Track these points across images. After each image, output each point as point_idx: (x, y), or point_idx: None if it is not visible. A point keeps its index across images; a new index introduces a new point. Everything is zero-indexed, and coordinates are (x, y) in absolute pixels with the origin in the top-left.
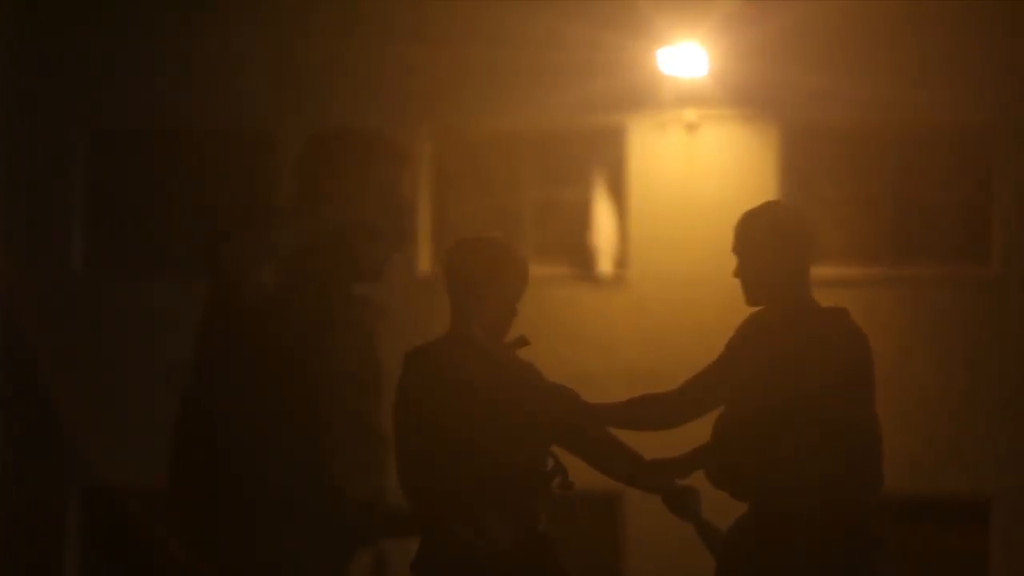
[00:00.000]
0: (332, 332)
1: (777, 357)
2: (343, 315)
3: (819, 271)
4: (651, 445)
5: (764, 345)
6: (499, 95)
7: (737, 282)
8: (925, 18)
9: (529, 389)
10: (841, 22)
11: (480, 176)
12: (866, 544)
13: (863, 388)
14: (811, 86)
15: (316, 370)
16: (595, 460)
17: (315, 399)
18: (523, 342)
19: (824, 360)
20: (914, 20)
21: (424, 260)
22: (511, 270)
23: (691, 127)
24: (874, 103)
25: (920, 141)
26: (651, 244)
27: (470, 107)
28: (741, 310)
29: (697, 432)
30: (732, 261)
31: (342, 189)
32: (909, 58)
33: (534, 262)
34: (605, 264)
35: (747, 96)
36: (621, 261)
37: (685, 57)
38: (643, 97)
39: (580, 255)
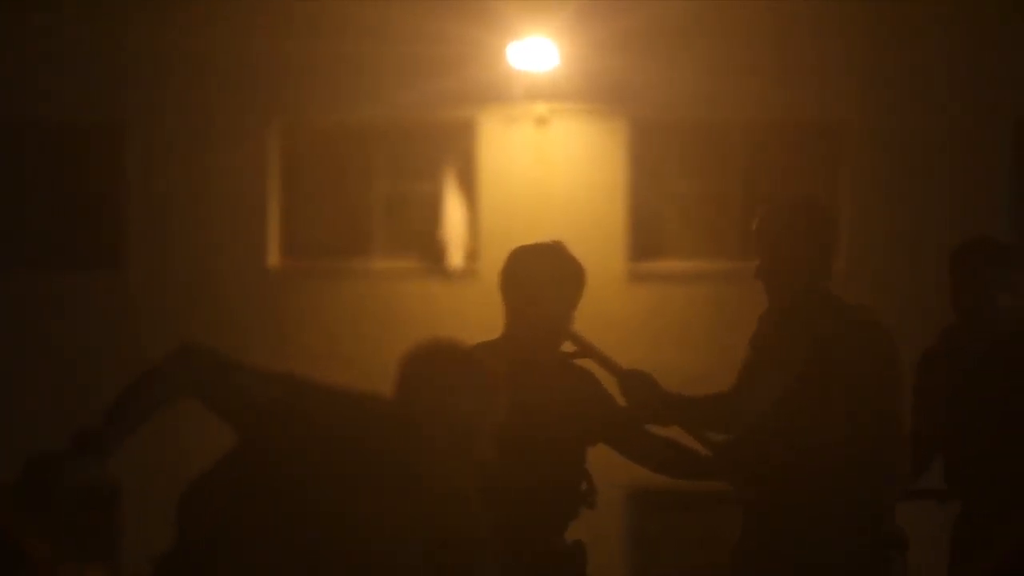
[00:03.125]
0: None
1: (811, 351)
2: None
3: (667, 265)
4: None
5: (801, 340)
6: (349, 88)
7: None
8: (775, 17)
9: (579, 402)
10: (691, 18)
11: (330, 169)
12: (887, 541)
13: (891, 383)
14: (661, 81)
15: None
16: (652, 461)
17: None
18: (580, 353)
19: (856, 355)
20: (764, 18)
21: (273, 254)
22: (571, 275)
23: (541, 121)
24: (723, 99)
25: (768, 137)
26: (501, 238)
27: (320, 100)
28: (590, 299)
29: None
30: (581, 253)
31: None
32: (758, 55)
33: (384, 256)
34: (455, 258)
35: (597, 90)
36: (471, 255)
37: (535, 51)
38: (493, 91)
39: (430, 248)
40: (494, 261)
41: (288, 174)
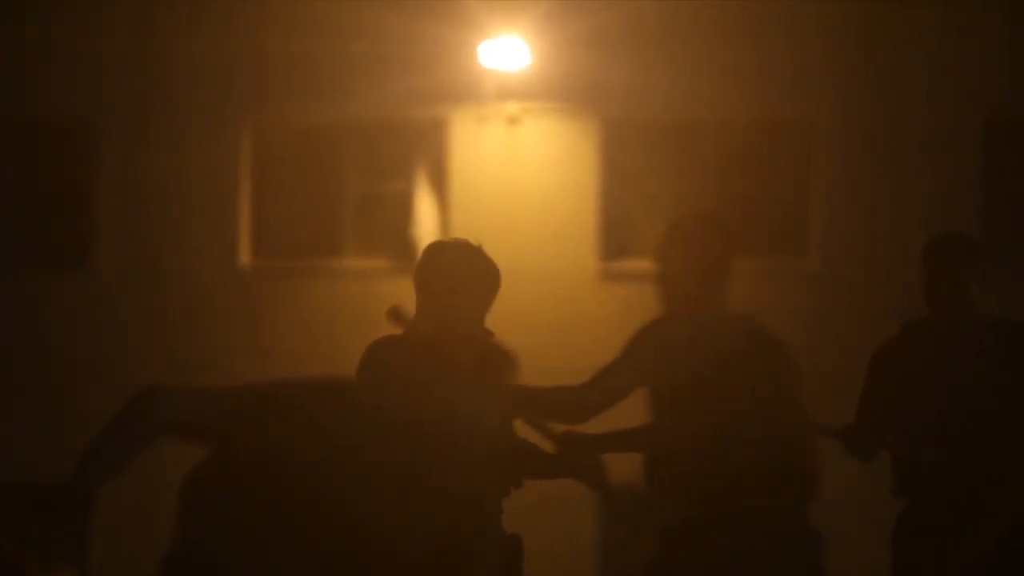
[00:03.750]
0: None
1: (706, 363)
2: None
3: (639, 264)
4: None
5: (688, 352)
6: (321, 88)
7: (554, 279)
8: (748, 16)
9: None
10: (663, 18)
11: (302, 168)
12: (806, 540)
13: (788, 388)
14: (633, 81)
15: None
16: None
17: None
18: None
19: (749, 363)
20: (737, 18)
21: (245, 253)
22: (486, 275)
23: (512, 120)
24: (696, 98)
25: (740, 136)
26: (472, 237)
27: (292, 99)
28: (562, 299)
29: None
30: (553, 252)
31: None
32: (731, 55)
33: (356, 255)
34: None
35: (569, 90)
36: None
37: (507, 50)
38: (465, 90)
39: (402, 248)
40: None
41: (260, 173)
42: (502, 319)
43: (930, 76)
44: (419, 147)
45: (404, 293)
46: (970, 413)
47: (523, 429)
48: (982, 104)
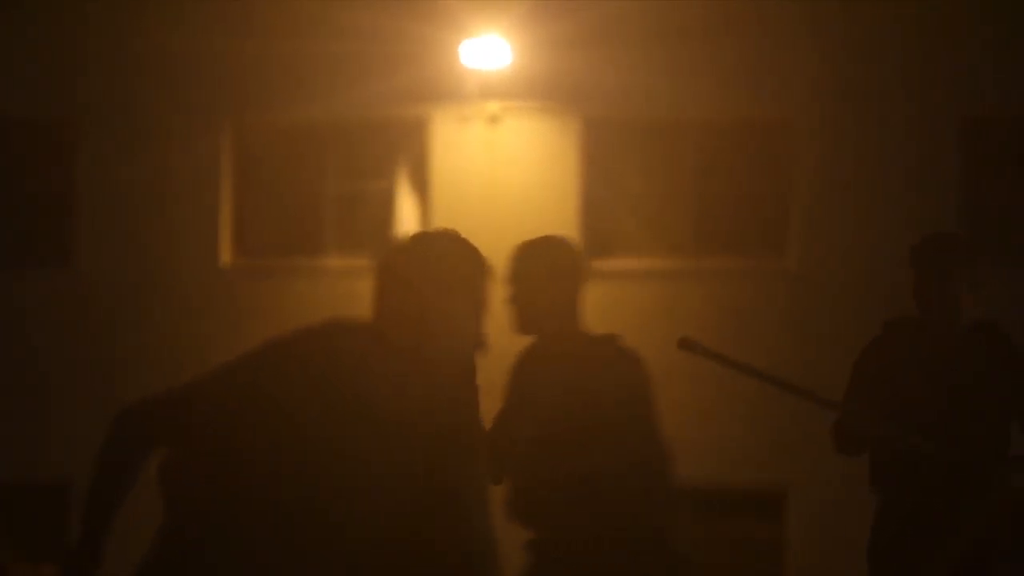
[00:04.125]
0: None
1: (556, 386)
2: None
3: (619, 263)
4: None
5: (543, 376)
6: (302, 87)
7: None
8: (728, 16)
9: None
10: (643, 17)
11: (283, 168)
12: (671, 560)
13: (642, 408)
14: (613, 80)
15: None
16: None
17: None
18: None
19: (601, 386)
20: (717, 18)
21: (226, 252)
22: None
23: (494, 119)
24: (676, 98)
25: (720, 136)
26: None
27: (273, 99)
28: None
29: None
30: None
31: (430, 295)
32: (711, 55)
33: (337, 255)
34: None
35: (550, 89)
36: None
37: (488, 49)
38: (446, 89)
39: (383, 247)
40: None
41: (241, 173)
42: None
43: (908, 76)
44: (400, 146)
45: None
46: (959, 412)
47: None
48: (960, 103)
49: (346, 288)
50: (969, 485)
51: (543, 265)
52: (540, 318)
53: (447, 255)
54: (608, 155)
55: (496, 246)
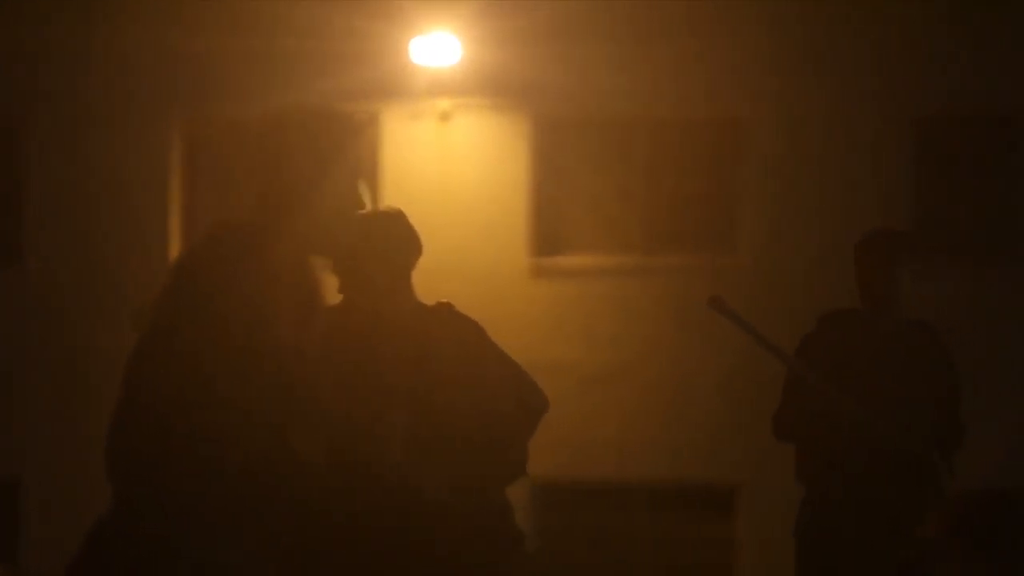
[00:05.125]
0: (279, 299)
1: (395, 358)
2: (290, 282)
3: (570, 260)
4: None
5: (382, 348)
6: (252, 84)
7: (485, 275)
8: (678, 14)
9: None
10: (593, 15)
11: (233, 164)
12: (506, 542)
13: (476, 376)
14: (564, 77)
15: (262, 334)
16: None
17: (258, 361)
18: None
19: (435, 355)
20: (667, 15)
21: (175, 250)
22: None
23: (444, 116)
24: (626, 95)
25: (670, 133)
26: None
27: (222, 96)
28: (492, 295)
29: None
30: (484, 249)
31: (302, 164)
32: (661, 52)
33: None
34: None
35: (500, 86)
36: None
37: (438, 47)
38: (396, 86)
39: None
40: None
41: (191, 170)
42: None
43: (861, 73)
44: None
45: (335, 289)
46: (900, 405)
47: None
48: (913, 103)
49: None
50: (898, 478)
51: (377, 237)
52: (373, 289)
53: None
54: (559, 152)
55: (447, 243)
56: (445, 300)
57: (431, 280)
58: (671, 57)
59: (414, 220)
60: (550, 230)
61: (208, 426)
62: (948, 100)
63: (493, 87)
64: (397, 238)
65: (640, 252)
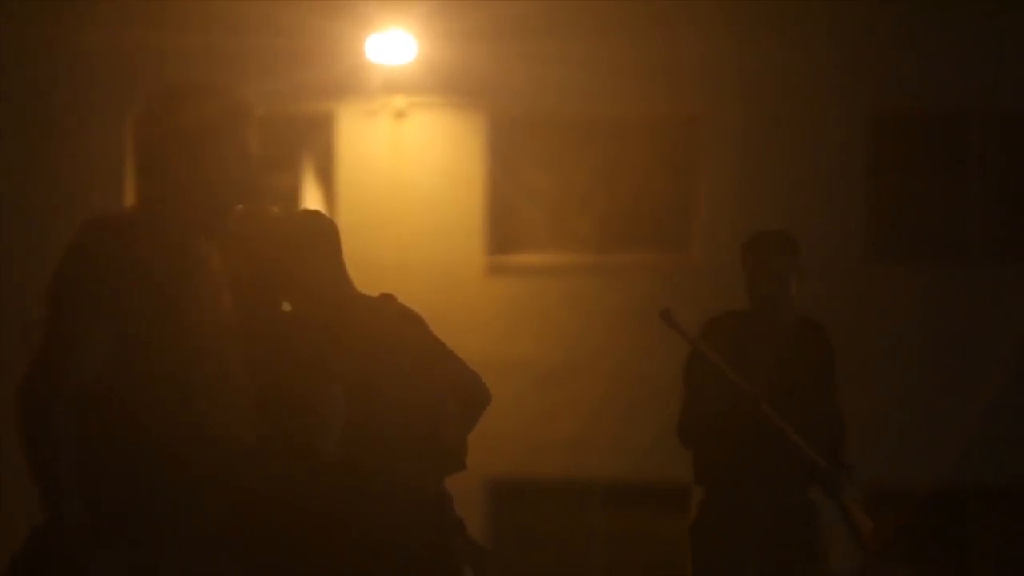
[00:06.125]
0: (192, 280)
1: (336, 346)
2: (199, 263)
3: (525, 259)
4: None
5: (335, 344)
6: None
7: (441, 273)
8: (632, 12)
9: None
10: (550, 13)
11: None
12: (447, 526)
13: (418, 368)
14: (519, 75)
15: (179, 317)
16: None
17: (180, 344)
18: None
19: (375, 345)
20: (622, 14)
21: None
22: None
23: (399, 114)
24: (581, 94)
25: (625, 132)
26: (359, 231)
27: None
28: (448, 293)
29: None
30: (440, 247)
31: (190, 144)
32: (616, 51)
33: None
34: None
35: (456, 84)
36: None
37: (394, 44)
38: (352, 84)
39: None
40: (351, 252)
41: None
42: None
43: (815, 72)
44: (306, 141)
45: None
46: (794, 403)
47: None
48: (868, 101)
49: None
50: (790, 481)
51: (305, 233)
52: (312, 285)
53: None
54: (514, 150)
55: (402, 241)
56: (388, 292)
57: (386, 277)
58: (627, 56)
59: (369, 218)
60: (506, 228)
61: (119, 417)
62: (905, 99)
63: (449, 85)
64: (320, 230)
65: (596, 250)
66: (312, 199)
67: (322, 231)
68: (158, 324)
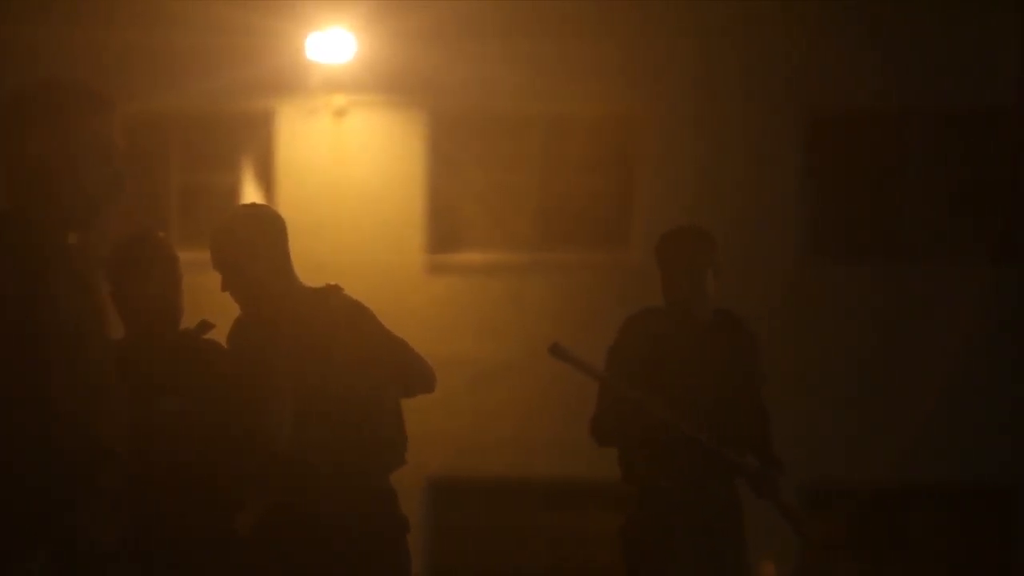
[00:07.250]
0: (48, 280)
1: (281, 338)
2: (59, 263)
3: (465, 257)
4: None
5: (277, 340)
6: (146, 78)
7: (381, 272)
8: (572, 12)
9: None
10: (489, 13)
11: (127, 159)
12: (395, 524)
13: (360, 360)
14: (460, 73)
15: (36, 318)
16: None
17: (35, 347)
18: (207, 327)
19: (320, 336)
20: (561, 14)
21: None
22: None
23: (339, 113)
24: (521, 92)
25: (565, 130)
26: (299, 230)
27: (116, 90)
28: (388, 292)
29: None
30: (380, 245)
31: (49, 141)
32: (555, 49)
33: (181, 248)
34: None
35: (396, 82)
36: None
37: (334, 43)
38: (292, 82)
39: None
40: (291, 251)
41: None
42: None
43: (755, 72)
44: (245, 139)
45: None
46: (715, 400)
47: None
48: (806, 100)
49: (189, 281)
50: (719, 478)
51: (251, 228)
52: (259, 290)
53: None
54: (454, 149)
55: (342, 239)
56: (334, 283)
57: (326, 276)
58: (568, 55)
59: (309, 216)
60: (445, 226)
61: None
62: (842, 99)
63: (389, 83)
64: (265, 225)
65: (535, 248)
66: (252, 198)
67: (268, 225)
68: (6, 326)
